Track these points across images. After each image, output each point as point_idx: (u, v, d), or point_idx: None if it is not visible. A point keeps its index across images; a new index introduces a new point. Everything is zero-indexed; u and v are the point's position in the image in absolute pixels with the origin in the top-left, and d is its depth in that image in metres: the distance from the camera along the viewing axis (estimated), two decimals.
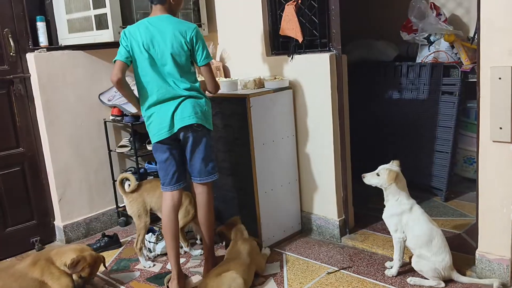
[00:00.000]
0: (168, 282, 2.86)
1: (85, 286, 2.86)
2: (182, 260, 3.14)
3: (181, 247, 3.38)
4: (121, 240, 3.64)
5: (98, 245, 3.52)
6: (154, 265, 3.25)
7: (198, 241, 3.50)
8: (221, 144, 3.39)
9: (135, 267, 3.26)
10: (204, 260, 3.02)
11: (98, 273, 3.12)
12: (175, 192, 2.83)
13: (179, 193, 2.86)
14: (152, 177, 3.93)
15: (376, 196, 3.02)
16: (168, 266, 3.15)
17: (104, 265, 2.94)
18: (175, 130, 2.71)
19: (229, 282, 2.55)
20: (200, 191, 2.88)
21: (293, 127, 3.45)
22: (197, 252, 3.36)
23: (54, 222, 3.78)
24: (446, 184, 3.93)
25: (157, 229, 3.55)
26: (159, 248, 3.38)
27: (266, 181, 3.29)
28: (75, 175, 3.76)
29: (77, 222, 3.78)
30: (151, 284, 3.00)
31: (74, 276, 2.80)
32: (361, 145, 3.98)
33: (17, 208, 3.61)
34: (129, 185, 3.28)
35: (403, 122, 4.22)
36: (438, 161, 3.96)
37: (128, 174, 3.30)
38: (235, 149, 3.33)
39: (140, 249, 3.25)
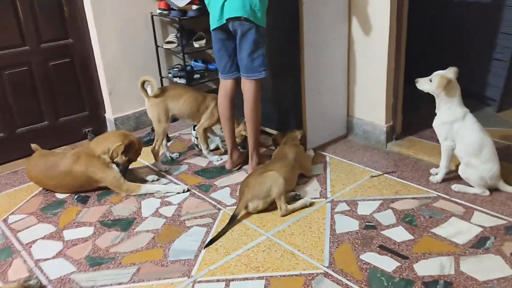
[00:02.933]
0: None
1: (126, 173, 3.01)
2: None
3: (199, 149, 3.47)
4: (169, 135, 3.76)
5: (147, 138, 3.65)
6: (167, 169, 3.28)
7: (221, 146, 3.55)
8: (270, 44, 3.30)
9: (183, 160, 3.39)
10: (249, 158, 3.10)
11: (146, 163, 3.29)
12: (227, 81, 3.00)
13: (232, 82, 3.00)
14: (199, 75, 3.93)
15: (428, 104, 2.94)
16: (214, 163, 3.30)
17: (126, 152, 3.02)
18: (224, 21, 2.78)
19: (271, 181, 2.62)
20: (246, 87, 2.89)
21: (346, 28, 3.29)
22: (215, 157, 3.36)
23: (105, 115, 3.93)
24: (500, 94, 3.77)
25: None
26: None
27: (315, 84, 3.23)
28: (124, 69, 3.81)
29: (127, 116, 3.90)
30: (198, 177, 3.15)
31: (118, 159, 2.94)
32: (417, 50, 3.80)
33: (69, 99, 3.74)
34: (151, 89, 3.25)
35: (462, 27, 3.96)
36: (495, 69, 3.77)
37: (151, 78, 3.20)
38: (284, 50, 3.24)
39: (157, 153, 3.27)
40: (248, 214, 2.62)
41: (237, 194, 2.85)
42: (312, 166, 3.14)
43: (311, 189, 2.89)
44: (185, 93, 3.26)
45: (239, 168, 3.19)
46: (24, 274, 2.26)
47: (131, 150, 2.99)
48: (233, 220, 2.55)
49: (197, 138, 3.49)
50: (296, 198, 2.76)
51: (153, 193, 2.93)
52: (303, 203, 2.69)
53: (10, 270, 2.30)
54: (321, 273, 2.14)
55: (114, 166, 2.95)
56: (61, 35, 3.60)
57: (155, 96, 3.19)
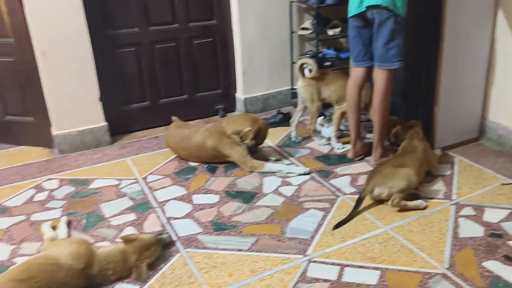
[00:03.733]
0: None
1: (255, 153, 3.18)
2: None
3: (320, 136, 3.50)
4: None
5: (273, 120, 3.79)
6: (327, 143, 3.42)
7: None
8: (407, 35, 3.19)
9: (305, 145, 3.47)
10: (373, 149, 3.07)
11: (270, 144, 3.43)
12: (359, 69, 3.00)
13: (363, 70, 2.99)
14: (330, 63, 3.95)
15: None
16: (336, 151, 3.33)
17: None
18: (363, 8, 2.77)
19: (405, 177, 2.57)
20: (378, 77, 2.86)
21: (491, 25, 3.07)
22: (339, 145, 3.36)
23: (236, 94, 4.14)
24: None
25: (328, 114, 3.66)
26: (325, 131, 3.52)
27: (451, 80, 3.06)
28: (259, 52, 3.97)
29: (256, 97, 4.07)
30: (319, 162, 3.20)
31: (247, 142, 3.11)
32: None
33: (207, 76, 4.01)
34: (310, 70, 3.37)
35: None
36: None
37: (311, 61, 3.35)
38: (422, 41, 3.12)
39: (314, 130, 3.45)
40: (367, 206, 2.61)
41: (357, 183, 2.87)
42: (438, 165, 3.01)
43: (435, 189, 2.78)
44: (339, 79, 3.36)
45: (361, 159, 3.17)
46: (157, 228, 2.52)
47: (259, 136, 3.16)
48: (360, 203, 2.56)
49: (322, 125, 3.55)
50: (414, 195, 2.68)
51: (275, 172, 3.06)
52: (417, 204, 2.58)
53: (146, 223, 2.58)
54: (439, 273, 2.08)
55: (242, 143, 3.13)
56: (207, 16, 3.86)
57: (312, 78, 3.34)
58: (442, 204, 2.61)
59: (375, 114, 2.97)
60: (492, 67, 3.17)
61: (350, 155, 3.19)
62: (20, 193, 2.96)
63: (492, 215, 2.50)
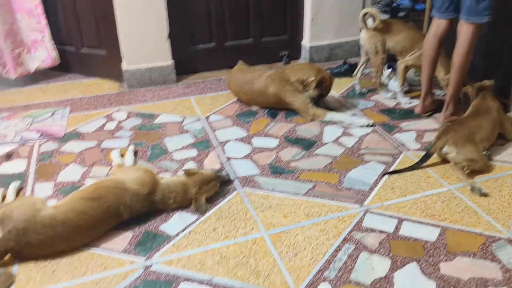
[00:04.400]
0: None
1: (318, 103, 3.11)
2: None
3: (386, 88, 3.37)
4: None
5: (338, 70, 3.68)
6: (393, 97, 3.29)
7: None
8: None
9: (370, 97, 3.35)
10: (444, 106, 2.91)
11: (334, 94, 3.35)
12: (441, 21, 2.81)
13: (446, 23, 2.79)
14: (404, 13, 3.73)
15: None
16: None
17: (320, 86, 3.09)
18: None
19: (478, 150, 2.43)
20: (463, 30, 2.66)
21: None
22: (405, 99, 3.22)
23: (302, 42, 4.03)
24: None
25: (396, 67, 3.49)
26: (393, 84, 3.36)
27: None
28: None
29: (322, 46, 3.95)
30: (384, 115, 3.09)
31: (310, 92, 3.05)
32: None
33: (274, 21, 3.92)
34: (373, 20, 3.19)
35: None
36: None
37: (374, 10, 3.19)
38: None
39: (380, 84, 3.32)
40: (432, 164, 2.50)
41: (422, 140, 2.75)
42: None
43: (507, 153, 2.62)
44: (404, 30, 3.20)
45: (430, 115, 3.03)
46: (216, 166, 2.57)
47: (323, 86, 3.08)
48: (425, 159, 2.47)
49: (389, 78, 3.41)
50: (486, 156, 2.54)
51: (336, 122, 3.00)
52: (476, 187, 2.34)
53: (206, 160, 2.63)
54: (504, 238, 1.98)
55: (304, 92, 3.07)
56: None
57: (375, 28, 3.19)
58: None
59: (453, 68, 2.79)
60: None
61: (418, 110, 3.04)
62: (92, 121, 3.11)
63: None
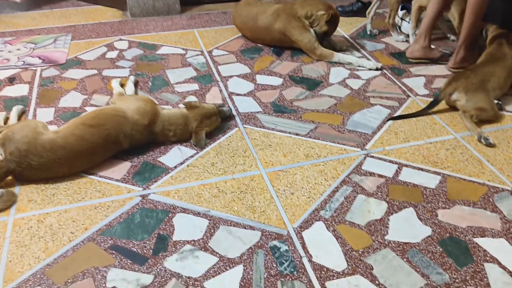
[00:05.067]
0: None
1: (324, 42, 2.99)
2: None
3: (399, 31, 3.25)
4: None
5: (350, 8, 3.52)
6: (405, 40, 3.17)
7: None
8: None
9: (381, 39, 3.23)
10: (456, 50, 2.79)
11: (343, 34, 3.22)
12: None
13: None
14: None
15: None
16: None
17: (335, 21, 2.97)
18: None
19: (489, 99, 2.35)
20: None
21: None
22: (400, 37, 3.16)
23: None
24: None
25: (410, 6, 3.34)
26: (406, 26, 3.23)
27: None
28: None
29: None
30: (393, 59, 2.98)
31: (317, 28, 2.92)
32: None
33: None
34: None
35: None
36: None
37: None
38: None
39: (393, 24, 3.19)
40: (439, 111, 2.44)
41: (432, 86, 2.67)
42: None
43: None
44: None
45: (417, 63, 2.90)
46: (218, 101, 2.52)
47: (332, 23, 2.95)
48: (433, 105, 2.40)
49: (402, 19, 3.26)
50: (496, 106, 2.46)
51: (343, 64, 2.90)
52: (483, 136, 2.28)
53: (208, 95, 2.58)
54: (508, 190, 1.95)
55: (311, 30, 2.94)
56: None
57: None
58: None
59: (468, 9, 2.62)
60: None
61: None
62: (93, 49, 3.04)
63: None
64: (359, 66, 2.86)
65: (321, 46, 2.94)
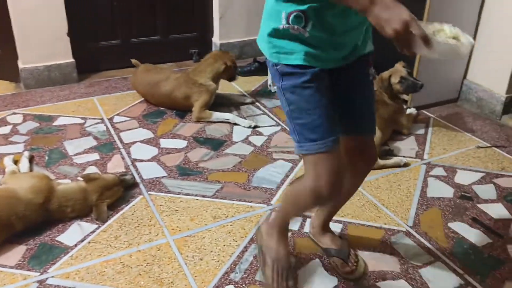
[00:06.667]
0: None
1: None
2: None
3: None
4: None
5: (248, 68, 3.67)
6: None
7: None
8: None
9: None
10: None
11: (244, 93, 3.33)
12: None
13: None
14: None
15: None
16: None
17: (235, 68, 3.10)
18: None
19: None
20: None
21: None
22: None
23: (212, 39, 3.98)
24: None
25: None
26: None
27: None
28: None
29: (232, 43, 3.93)
30: None
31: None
32: None
33: (182, 17, 3.82)
34: None
35: None
36: None
37: None
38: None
39: None
40: None
41: None
42: (411, 124, 2.96)
43: (407, 148, 2.75)
44: None
45: None
46: (121, 169, 2.44)
47: (229, 71, 3.09)
48: None
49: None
50: (388, 152, 2.65)
51: (223, 121, 2.95)
52: (396, 161, 2.56)
53: (110, 163, 2.49)
54: (403, 231, 2.07)
55: (211, 90, 3.01)
56: None
57: None
58: (413, 163, 2.59)
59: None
60: (482, 25, 3.08)
61: None
62: None
63: (464, 177, 2.48)
64: (236, 124, 2.93)
65: (207, 110, 2.99)
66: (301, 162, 2.53)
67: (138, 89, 3.21)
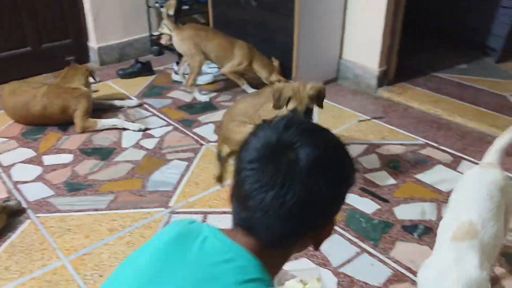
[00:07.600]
0: None
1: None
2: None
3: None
4: (154, 69, 3.64)
5: (131, 70, 3.54)
6: (208, 99, 3.22)
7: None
8: None
9: (167, 94, 3.31)
10: None
11: (130, 96, 3.23)
12: None
13: None
14: (188, 7, 3.75)
15: (428, 50, 2.86)
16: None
17: (93, 77, 3.04)
18: None
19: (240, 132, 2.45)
20: None
21: None
22: (203, 97, 3.22)
23: (89, 43, 3.78)
24: (502, 44, 3.67)
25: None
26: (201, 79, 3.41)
27: (309, 23, 3.10)
28: None
29: (110, 46, 3.76)
30: (182, 111, 3.07)
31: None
32: None
33: (53, 25, 3.58)
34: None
35: None
36: (501, 17, 3.64)
37: (165, 21, 3.16)
38: None
39: (192, 85, 3.21)
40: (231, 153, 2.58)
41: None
42: None
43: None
44: (216, 38, 3.18)
45: None
46: (3, 195, 2.24)
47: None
48: (220, 158, 2.43)
49: (176, 73, 3.44)
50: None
51: (110, 128, 2.82)
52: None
53: None
54: None
55: (86, 93, 2.88)
56: None
57: (184, 30, 3.15)
58: None
59: None
60: (349, 7, 3.24)
61: None
62: None
63: (349, 151, 2.61)
64: (125, 128, 2.83)
65: (89, 119, 2.83)
66: (197, 160, 2.52)
67: (8, 113, 2.94)
